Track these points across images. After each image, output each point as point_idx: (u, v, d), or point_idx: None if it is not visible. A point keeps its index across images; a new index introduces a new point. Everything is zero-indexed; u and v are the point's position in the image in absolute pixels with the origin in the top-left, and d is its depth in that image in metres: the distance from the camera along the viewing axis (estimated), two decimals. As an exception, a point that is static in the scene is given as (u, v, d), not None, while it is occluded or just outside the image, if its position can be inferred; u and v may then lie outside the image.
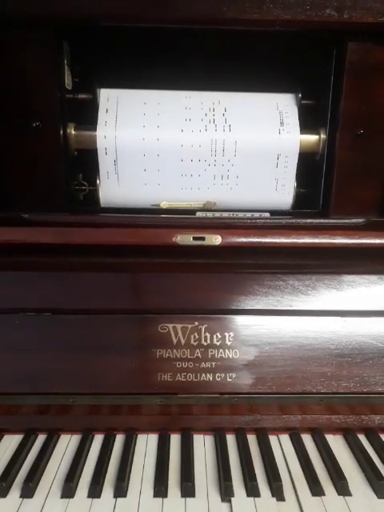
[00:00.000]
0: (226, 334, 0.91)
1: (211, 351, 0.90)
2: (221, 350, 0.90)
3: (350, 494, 0.75)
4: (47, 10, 0.89)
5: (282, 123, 1.06)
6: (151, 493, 0.74)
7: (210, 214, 1.05)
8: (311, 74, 1.11)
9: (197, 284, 0.92)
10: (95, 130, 1.03)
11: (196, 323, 0.91)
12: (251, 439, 0.86)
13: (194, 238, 0.93)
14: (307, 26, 0.92)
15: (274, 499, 0.73)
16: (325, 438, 0.87)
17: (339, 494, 0.75)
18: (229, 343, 0.90)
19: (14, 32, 0.93)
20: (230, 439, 0.87)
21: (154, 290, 0.92)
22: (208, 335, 0.91)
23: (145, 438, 0.87)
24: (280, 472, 0.78)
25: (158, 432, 0.87)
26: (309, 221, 1.01)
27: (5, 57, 0.95)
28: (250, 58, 1.08)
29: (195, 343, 0.90)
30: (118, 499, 0.73)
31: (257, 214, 1.06)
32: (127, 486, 0.75)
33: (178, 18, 0.89)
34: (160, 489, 0.74)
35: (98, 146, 1.03)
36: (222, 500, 0.73)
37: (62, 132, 1.01)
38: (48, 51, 0.95)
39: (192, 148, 1.04)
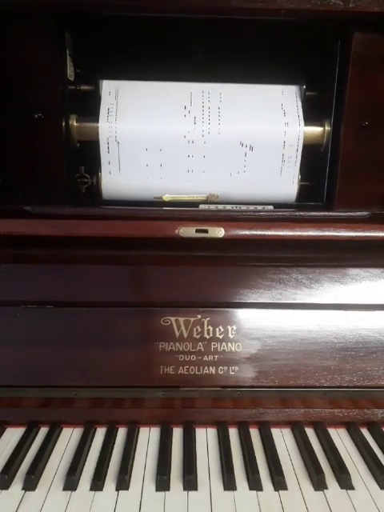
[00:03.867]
0: (229, 327, 0.90)
1: (214, 344, 0.90)
2: (223, 344, 0.90)
3: (352, 488, 0.75)
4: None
5: (285, 115, 1.05)
6: (153, 486, 0.74)
7: (212, 207, 1.05)
8: (315, 66, 1.09)
9: (199, 277, 0.92)
10: (97, 121, 1.02)
11: (199, 316, 0.90)
12: (254, 433, 0.86)
13: (197, 231, 0.93)
14: (312, 16, 0.91)
15: (277, 493, 0.73)
16: (327, 432, 0.87)
17: (342, 488, 0.74)
18: (231, 336, 0.90)
19: (15, 23, 0.92)
20: (233, 432, 0.86)
21: (157, 283, 0.92)
22: (211, 328, 0.90)
23: (147, 431, 0.87)
24: (282, 465, 0.77)
25: (161, 425, 0.87)
26: (312, 214, 1.00)
27: (6, 48, 0.94)
28: (253, 49, 1.07)
29: (198, 336, 0.90)
30: (121, 492, 0.73)
31: (260, 207, 1.05)
32: (129, 479, 0.75)
33: (182, 7, 0.88)
34: (162, 482, 0.74)
35: (100, 137, 1.02)
36: (225, 493, 0.73)
37: (64, 124, 1.00)
38: (50, 42, 0.95)
39: (195, 139, 1.03)
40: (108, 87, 1.05)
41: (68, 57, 1.02)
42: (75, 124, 1.03)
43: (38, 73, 0.96)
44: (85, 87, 1.08)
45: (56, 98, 0.98)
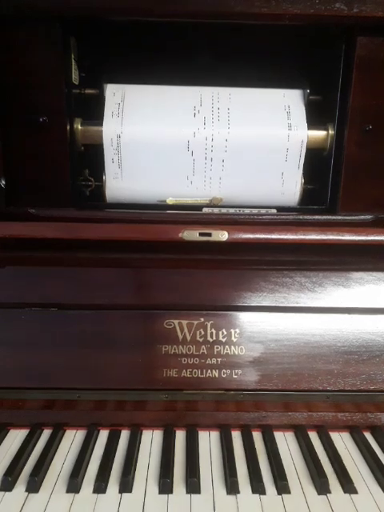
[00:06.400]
0: (232, 331, 0.90)
1: (217, 347, 0.90)
2: (226, 347, 0.90)
3: (355, 492, 0.74)
4: (55, 4, 0.88)
5: (289, 119, 1.05)
6: (156, 489, 0.74)
7: (216, 210, 1.05)
8: (319, 70, 1.09)
9: (203, 280, 0.92)
10: (102, 125, 1.02)
11: (202, 319, 0.91)
12: (257, 436, 0.86)
13: (201, 234, 0.93)
14: (316, 21, 0.91)
15: (280, 497, 0.73)
16: (330, 436, 0.87)
17: (345, 492, 0.74)
18: (235, 340, 0.90)
19: (21, 27, 0.93)
20: (236, 436, 0.86)
21: (160, 286, 0.92)
22: (214, 331, 0.90)
23: (150, 433, 0.87)
24: (285, 469, 0.77)
25: (164, 428, 0.88)
26: (316, 217, 1.00)
27: (12, 52, 0.95)
28: (257, 53, 1.07)
29: (201, 339, 0.90)
30: (124, 495, 0.73)
31: (263, 210, 1.05)
32: (132, 482, 0.75)
33: (187, 12, 0.89)
34: (165, 485, 0.74)
35: (104, 141, 1.02)
36: (228, 496, 0.73)
37: (68, 127, 1.01)
38: (55, 46, 0.95)
39: (198, 143, 1.03)
40: (112, 91, 1.06)
41: (73, 61, 1.03)
42: (80, 127, 1.03)
43: (43, 76, 0.96)
44: (89, 91, 1.09)
45: (61, 101, 0.98)
